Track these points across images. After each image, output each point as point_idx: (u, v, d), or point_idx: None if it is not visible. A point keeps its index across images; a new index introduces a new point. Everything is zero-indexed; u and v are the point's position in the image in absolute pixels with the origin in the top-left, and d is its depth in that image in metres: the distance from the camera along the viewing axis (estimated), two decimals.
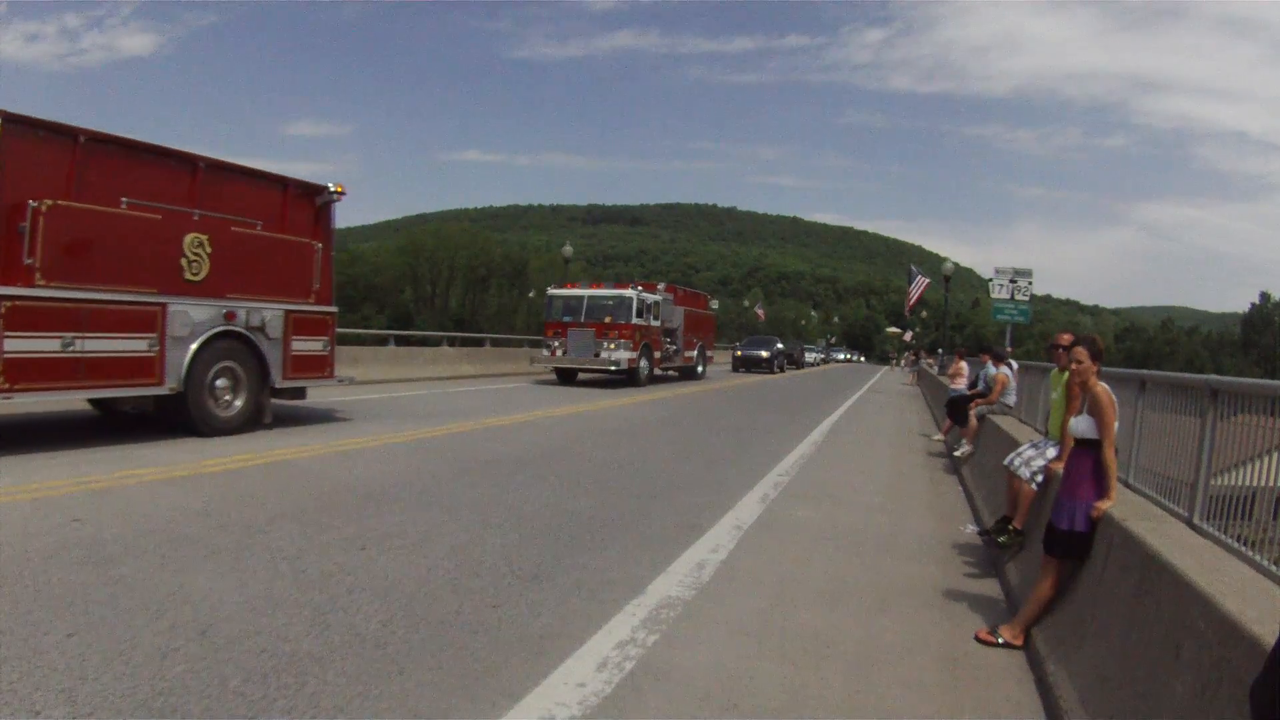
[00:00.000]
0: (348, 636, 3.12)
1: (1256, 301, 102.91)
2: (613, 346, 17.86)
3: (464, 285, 72.44)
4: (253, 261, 8.25)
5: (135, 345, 7.12)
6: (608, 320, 18.11)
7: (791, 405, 17.03)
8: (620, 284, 19.16)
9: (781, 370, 34.21)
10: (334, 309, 9.45)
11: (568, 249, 32.39)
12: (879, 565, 4.75)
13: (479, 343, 24.41)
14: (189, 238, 7.58)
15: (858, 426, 13.41)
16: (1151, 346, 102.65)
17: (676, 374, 22.74)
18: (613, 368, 17.70)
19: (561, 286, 19.87)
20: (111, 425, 8.16)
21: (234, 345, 8.03)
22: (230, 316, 7.93)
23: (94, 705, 2.46)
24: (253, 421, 8.27)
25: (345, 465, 6.70)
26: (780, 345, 35.73)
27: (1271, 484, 2.76)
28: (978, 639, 3.57)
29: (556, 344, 18.49)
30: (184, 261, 7.53)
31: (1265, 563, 2.73)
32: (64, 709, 2.43)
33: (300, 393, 9.23)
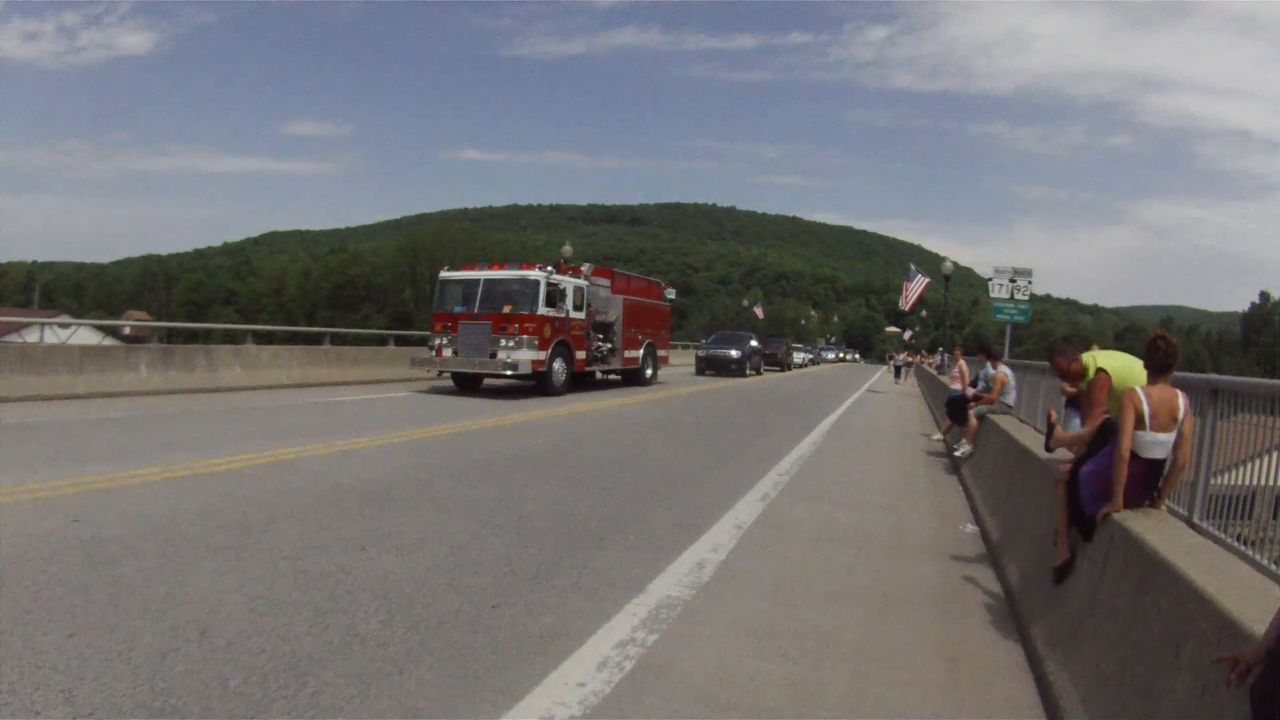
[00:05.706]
0: (348, 636, 3.12)
1: (1256, 301, 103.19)
2: (512, 344, 13.69)
3: None
4: None
5: None
6: (507, 310, 13.92)
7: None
8: (527, 264, 14.78)
9: (757, 373, 29.80)
10: None
11: (567, 248, 32.31)
12: (879, 565, 4.75)
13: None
14: None
15: (857, 426, 13.41)
16: None
17: (619, 378, 19.03)
18: (508, 372, 13.69)
19: (458, 269, 15.65)
20: (111, 426, 8.15)
21: None
22: None
23: (94, 705, 2.46)
24: None
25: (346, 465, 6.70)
26: (755, 343, 30.29)
27: (1271, 483, 2.76)
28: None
29: (443, 341, 14.35)
30: None
31: (1265, 562, 2.73)
32: (64, 709, 2.43)
33: None
